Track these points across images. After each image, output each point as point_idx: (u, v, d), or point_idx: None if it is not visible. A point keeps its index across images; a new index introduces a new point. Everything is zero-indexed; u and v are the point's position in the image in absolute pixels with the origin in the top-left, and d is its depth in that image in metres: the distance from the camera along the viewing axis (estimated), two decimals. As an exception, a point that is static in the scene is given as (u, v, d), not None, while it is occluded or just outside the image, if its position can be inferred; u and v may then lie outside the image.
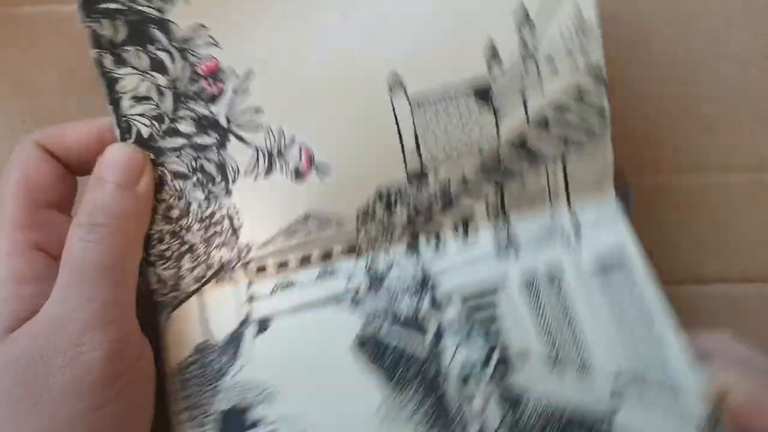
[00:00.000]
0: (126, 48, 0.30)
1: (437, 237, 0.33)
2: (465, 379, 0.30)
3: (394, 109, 0.31)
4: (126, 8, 0.29)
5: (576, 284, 0.32)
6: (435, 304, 0.31)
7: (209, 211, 0.31)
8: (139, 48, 0.30)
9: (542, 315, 0.31)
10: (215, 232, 0.31)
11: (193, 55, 0.30)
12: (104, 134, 0.30)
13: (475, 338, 0.31)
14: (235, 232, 0.31)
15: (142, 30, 0.30)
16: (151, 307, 0.31)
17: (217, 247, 0.31)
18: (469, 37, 0.31)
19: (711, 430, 0.28)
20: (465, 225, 0.33)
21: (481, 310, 0.31)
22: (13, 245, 0.28)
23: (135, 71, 0.30)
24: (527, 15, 0.31)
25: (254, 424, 0.29)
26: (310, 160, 0.31)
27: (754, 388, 0.28)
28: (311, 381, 0.30)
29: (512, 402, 0.30)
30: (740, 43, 0.39)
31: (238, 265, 0.31)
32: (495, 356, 0.30)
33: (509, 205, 0.33)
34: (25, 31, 0.39)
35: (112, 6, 0.29)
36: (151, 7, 0.30)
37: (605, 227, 0.33)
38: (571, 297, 0.31)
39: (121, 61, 0.30)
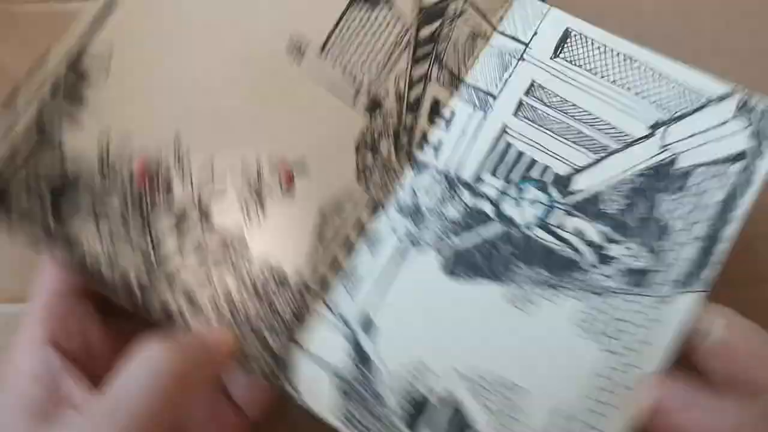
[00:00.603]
0: (67, 222, 0.28)
1: (427, 140, 0.33)
2: (544, 220, 0.31)
3: (310, 72, 0.31)
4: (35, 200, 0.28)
5: (550, 78, 0.33)
6: (475, 193, 0.32)
7: (251, 283, 0.30)
8: (82, 216, 0.29)
9: (549, 124, 0.32)
10: (272, 294, 0.30)
11: (123, 179, 0.29)
12: None
13: (526, 188, 0.31)
14: (283, 281, 0.31)
15: (66, 199, 0.28)
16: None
17: (280, 305, 0.30)
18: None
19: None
20: (439, 113, 0.33)
21: (512, 168, 0.32)
22: (30, 340, 0.28)
23: (92, 233, 0.29)
24: None
25: (427, 395, 0.30)
26: (287, 171, 0.31)
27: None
28: (441, 330, 0.30)
29: (590, 204, 0.31)
30: (740, 42, 0.39)
31: (307, 299, 0.31)
32: (550, 185, 0.31)
33: (457, 69, 0.33)
34: (24, 29, 0.39)
35: (23, 205, 0.28)
36: (54, 177, 0.28)
37: (541, 25, 0.33)
38: (556, 91, 0.32)
39: (70, 243, 0.29)
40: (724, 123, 0.30)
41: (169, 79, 0.30)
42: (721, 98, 0.31)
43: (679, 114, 0.31)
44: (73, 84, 0.28)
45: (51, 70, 0.28)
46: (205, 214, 0.30)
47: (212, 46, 0.30)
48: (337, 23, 0.31)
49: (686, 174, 0.30)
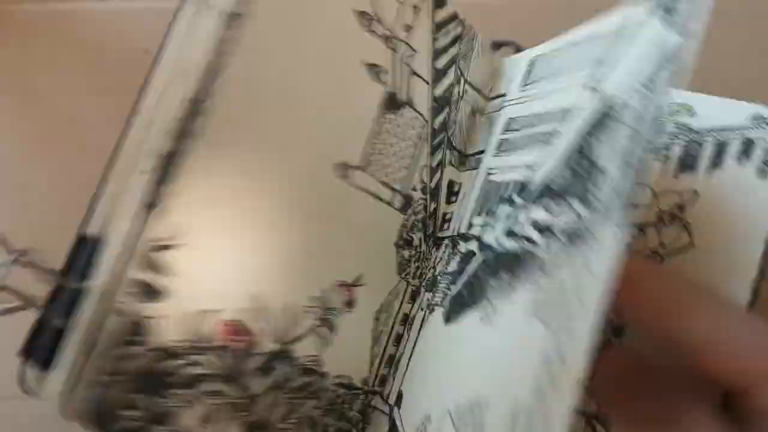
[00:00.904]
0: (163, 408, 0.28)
1: (446, 220, 0.34)
2: (511, 230, 0.28)
3: (360, 188, 0.33)
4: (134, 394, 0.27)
5: (519, 107, 0.32)
6: (466, 238, 0.31)
7: (328, 402, 0.32)
8: (176, 396, 0.28)
9: (517, 143, 0.30)
10: (347, 409, 0.32)
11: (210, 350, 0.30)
12: None
13: (498, 209, 0.30)
14: (355, 392, 0.32)
15: (158, 390, 0.28)
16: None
17: (353, 413, 0.32)
18: (349, 71, 0.32)
19: None
20: (453, 192, 0.34)
21: (490, 200, 0.31)
22: None
23: (188, 407, 0.29)
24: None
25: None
26: (348, 289, 0.34)
27: None
28: (438, 379, 0.29)
29: (545, 190, 0.27)
30: (741, 42, 0.40)
31: (374, 402, 0.32)
32: (515, 195, 0.29)
33: (464, 147, 0.35)
34: (24, 29, 0.38)
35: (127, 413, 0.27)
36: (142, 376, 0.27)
37: (516, 70, 0.34)
38: (523, 113, 0.31)
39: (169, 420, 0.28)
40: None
41: (235, 246, 0.30)
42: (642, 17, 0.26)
43: (614, 59, 0.27)
44: (146, 291, 0.28)
45: (119, 290, 0.27)
46: (286, 355, 0.33)
47: (267, 193, 0.31)
48: (372, 133, 0.33)
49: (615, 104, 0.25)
